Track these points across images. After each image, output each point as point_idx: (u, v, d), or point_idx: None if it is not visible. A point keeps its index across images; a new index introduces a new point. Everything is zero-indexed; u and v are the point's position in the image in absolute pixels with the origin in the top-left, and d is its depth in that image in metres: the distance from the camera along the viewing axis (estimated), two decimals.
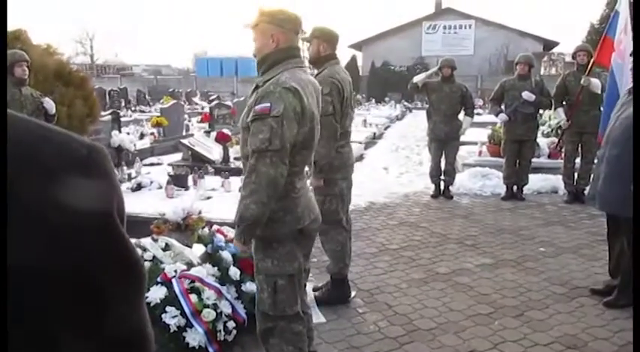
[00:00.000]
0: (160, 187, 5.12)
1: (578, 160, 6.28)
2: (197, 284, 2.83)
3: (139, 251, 2.92)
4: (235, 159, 6.94)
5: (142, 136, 10.33)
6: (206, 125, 11.13)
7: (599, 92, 5.62)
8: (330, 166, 3.25)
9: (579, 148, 6.22)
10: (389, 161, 9.53)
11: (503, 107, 6.36)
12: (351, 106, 3.43)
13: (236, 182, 4.93)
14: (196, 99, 21.74)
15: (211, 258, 3.07)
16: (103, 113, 8.24)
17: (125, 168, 6.25)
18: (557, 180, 6.76)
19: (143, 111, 17.43)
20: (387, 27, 31.96)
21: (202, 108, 17.32)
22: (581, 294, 3.67)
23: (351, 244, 3.67)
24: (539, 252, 4.58)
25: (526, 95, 6.07)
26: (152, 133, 10.23)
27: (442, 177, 6.59)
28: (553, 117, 8.44)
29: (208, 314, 2.72)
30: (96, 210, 0.57)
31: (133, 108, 18.12)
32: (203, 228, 3.47)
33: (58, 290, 0.55)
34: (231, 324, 2.83)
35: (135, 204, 4.27)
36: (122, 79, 32.47)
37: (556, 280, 3.93)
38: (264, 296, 2.25)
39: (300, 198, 2.22)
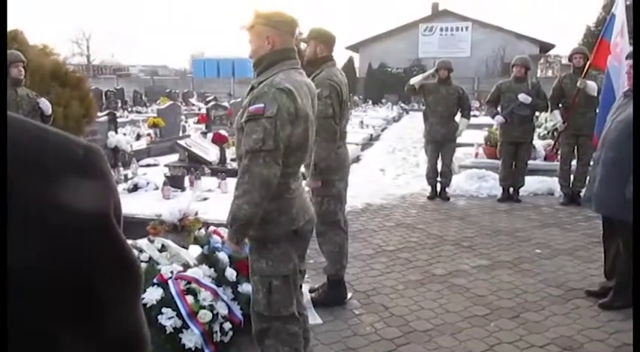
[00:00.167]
0: (157, 188, 5.11)
1: (574, 162, 6.29)
2: (193, 285, 2.83)
3: (136, 252, 2.91)
4: (232, 160, 6.93)
5: (138, 137, 10.30)
6: (203, 126, 11.11)
7: (596, 95, 5.62)
8: (327, 167, 3.26)
9: (575, 150, 6.24)
10: (386, 162, 9.54)
11: (499, 109, 6.37)
12: (347, 108, 3.44)
13: (233, 183, 4.84)
14: (193, 100, 21.70)
15: (208, 259, 3.07)
16: (99, 114, 8.24)
17: (121, 169, 6.23)
18: (553, 182, 6.78)
19: (140, 112, 17.34)
20: (384, 29, 32.10)
21: (199, 109, 17.32)
22: (576, 296, 3.68)
23: (348, 245, 3.67)
24: (535, 253, 4.59)
25: (522, 97, 6.09)
26: (149, 134, 10.22)
27: (439, 178, 6.60)
28: (549, 120, 8.46)
29: (205, 316, 2.72)
30: (93, 210, 0.57)
31: (129, 109, 18.03)
32: (199, 229, 3.46)
33: (58, 290, 0.55)
34: (227, 325, 2.82)
35: (131, 205, 4.27)
36: (119, 79, 32.43)
37: (552, 282, 3.94)
38: (259, 296, 2.26)
39: (294, 199, 2.22)
